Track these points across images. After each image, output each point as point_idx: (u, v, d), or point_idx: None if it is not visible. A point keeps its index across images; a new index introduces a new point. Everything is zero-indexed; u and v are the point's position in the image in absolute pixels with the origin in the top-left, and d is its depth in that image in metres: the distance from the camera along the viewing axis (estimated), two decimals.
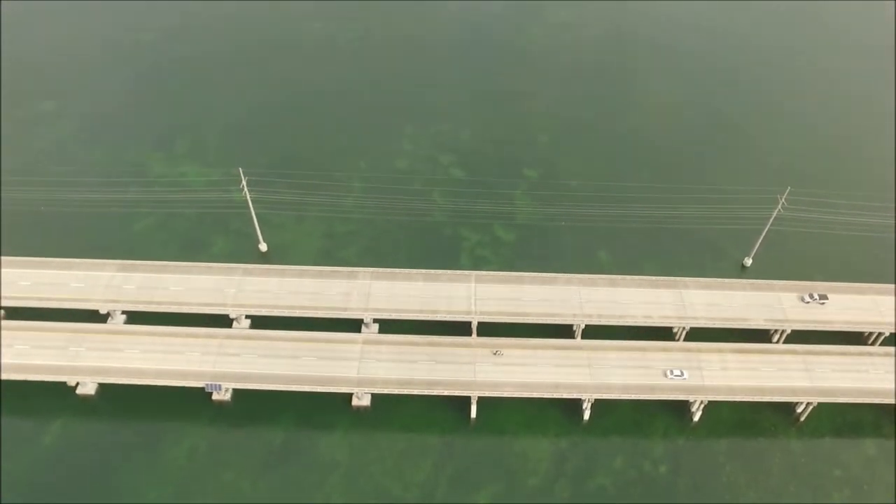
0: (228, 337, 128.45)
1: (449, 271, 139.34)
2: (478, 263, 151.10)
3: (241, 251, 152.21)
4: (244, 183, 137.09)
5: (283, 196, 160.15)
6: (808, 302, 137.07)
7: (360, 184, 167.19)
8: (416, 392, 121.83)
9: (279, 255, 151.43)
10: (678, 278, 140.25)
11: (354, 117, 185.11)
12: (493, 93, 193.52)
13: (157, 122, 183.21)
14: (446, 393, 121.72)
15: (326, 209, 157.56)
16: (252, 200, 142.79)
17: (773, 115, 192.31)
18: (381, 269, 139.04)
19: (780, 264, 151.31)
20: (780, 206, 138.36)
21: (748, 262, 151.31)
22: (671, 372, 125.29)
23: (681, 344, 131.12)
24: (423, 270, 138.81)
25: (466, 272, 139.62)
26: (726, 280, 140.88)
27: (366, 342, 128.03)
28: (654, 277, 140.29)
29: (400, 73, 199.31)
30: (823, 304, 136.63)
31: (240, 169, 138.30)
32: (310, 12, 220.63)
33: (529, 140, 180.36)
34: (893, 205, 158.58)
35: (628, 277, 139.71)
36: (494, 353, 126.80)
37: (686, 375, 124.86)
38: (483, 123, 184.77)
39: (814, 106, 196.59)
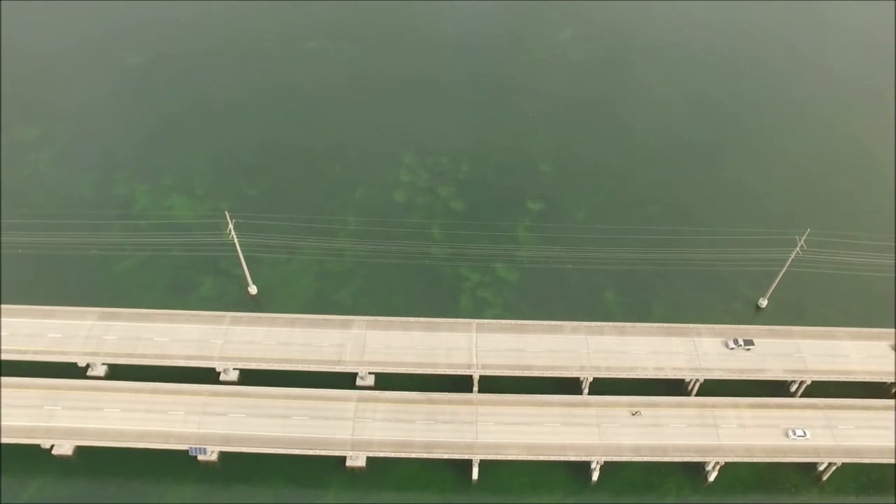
0: (214, 394, 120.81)
1: (449, 320, 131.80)
2: (479, 306, 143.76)
3: (229, 293, 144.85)
4: (231, 226, 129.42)
5: (274, 231, 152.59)
6: (732, 348, 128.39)
7: (354, 218, 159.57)
8: (413, 455, 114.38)
9: (269, 298, 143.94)
10: (690, 325, 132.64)
11: (349, 145, 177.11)
12: (494, 119, 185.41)
13: (143, 151, 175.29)
14: (446, 456, 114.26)
15: (319, 246, 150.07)
16: (241, 239, 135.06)
17: (789, 139, 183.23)
18: (376, 318, 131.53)
19: (798, 306, 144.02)
20: (798, 248, 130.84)
21: (763, 302, 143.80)
22: (793, 432, 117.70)
23: (695, 399, 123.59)
24: (422, 319, 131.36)
25: (467, 321, 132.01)
26: (742, 327, 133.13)
27: (360, 399, 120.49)
28: (665, 325, 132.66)
29: (397, 98, 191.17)
30: (749, 349, 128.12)
31: (226, 213, 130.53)
32: (304, 32, 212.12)
33: (532, 169, 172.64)
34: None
35: (638, 325, 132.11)
36: (633, 414, 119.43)
37: (809, 435, 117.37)
38: (483, 151, 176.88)
39: (829, 124, 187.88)
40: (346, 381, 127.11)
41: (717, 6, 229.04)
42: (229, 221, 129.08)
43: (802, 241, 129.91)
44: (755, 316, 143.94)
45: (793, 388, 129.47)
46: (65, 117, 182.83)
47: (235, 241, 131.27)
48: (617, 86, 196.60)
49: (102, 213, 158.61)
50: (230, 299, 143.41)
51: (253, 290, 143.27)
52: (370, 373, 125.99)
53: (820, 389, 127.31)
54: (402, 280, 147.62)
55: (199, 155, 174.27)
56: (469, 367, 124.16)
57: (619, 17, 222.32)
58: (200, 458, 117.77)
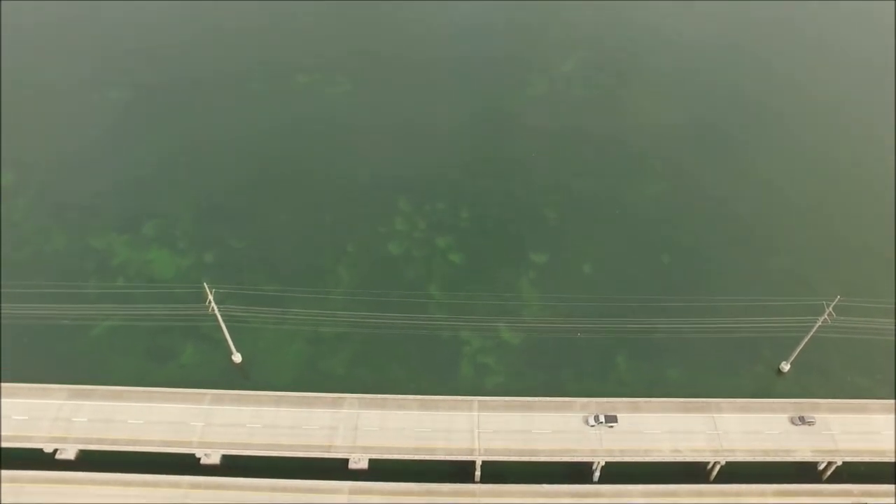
0: (194, 486, 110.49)
1: (448, 398, 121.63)
2: (480, 373, 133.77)
3: (212, 361, 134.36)
4: (211, 297, 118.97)
5: (260, 290, 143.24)
6: (592, 425, 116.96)
7: (347, 274, 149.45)
8: None
9: (255, 367, 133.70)
10: (710, 400, 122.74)
11: (341, 192, 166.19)
12: (495, 160, 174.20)
13: (124, 197, 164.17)
14: None
15: (309, 305, 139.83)
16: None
17: (818, 187, 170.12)
18: (370, 396, 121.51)
19: (823, 370, 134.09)
20: (826, 315, 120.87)
21: (785, 367, 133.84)
22: None
23: (717, 487, 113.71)
24: (419, 397, 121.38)
25: (468, 398, 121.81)
26: (766, 401, 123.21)
27: (353, 492, 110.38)
28: (682, 400, 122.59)
29: (390, 139, 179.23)
30: (612, 427, 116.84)
31: (205, 283, 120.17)
32: (293, 65, 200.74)
33: (535, 215, 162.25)
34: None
35: (653, 401, 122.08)
36: None
37: None
38: (483, 195, 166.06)
39: (864, 179, 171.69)
40: (338, 462, 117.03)
41: (732, 35, 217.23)
42: (209, 293, 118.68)
43: (830, 309, 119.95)
44: (777, 380, 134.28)
45: (820, 468, 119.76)
46: (41, 159, 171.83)
47: (216, 312, 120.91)
48: (626, 123, 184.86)
49: (77, 268, 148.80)
50: (213, 368, 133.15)
51: (237, 358, 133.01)
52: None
53: (851, 470, 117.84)
54: (398, 344, 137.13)
55: (182, 201, 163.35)
56: (471, 452, 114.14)
57: (626, 44, 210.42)
58: None
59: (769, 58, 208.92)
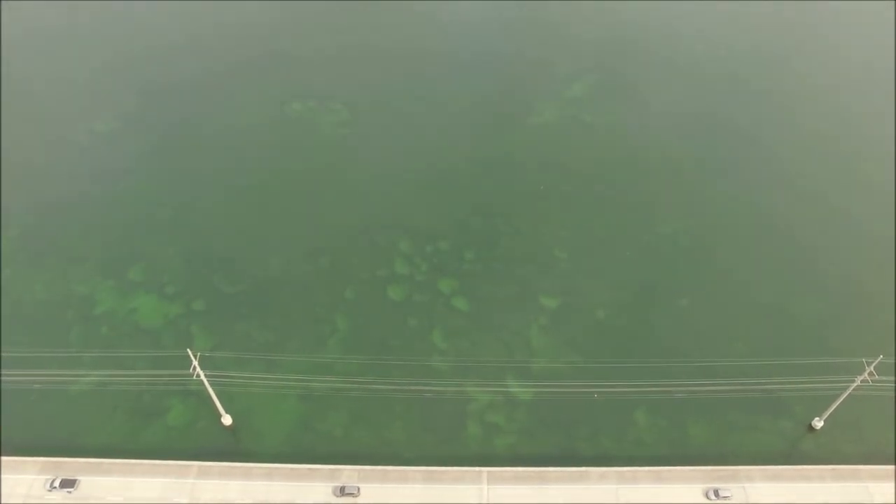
0: None
1: (455, 469, 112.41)
2: (489, 433, 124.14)
3: (200, 422, 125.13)
4: (196, 363, 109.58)
5: (252, 342, 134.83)
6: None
7: (344, 322, 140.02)
8: None
9: (246, 428, 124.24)
10: (739, 468, 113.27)
11: (338, 232, 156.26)
12: (499, 195, 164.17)
13: (109, 238, 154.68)
14: None
15: (304, 358, 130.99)
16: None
17: (852, 239, 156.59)
18: (369, 468, 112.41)
19: (859, 428, 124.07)
20: (866, 374, 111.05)
21: (818, 424, 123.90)
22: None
23: None
24: (422, 468, 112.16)
25: (477, 469, 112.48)
26: (801, 468, 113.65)
27: None
28: (708, 468, 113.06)
29: (389, 175, 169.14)
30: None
31: (188, 350, 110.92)
32: (288, 93, 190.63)
33: (545, 256, 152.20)
34: None
35: (676, 469, 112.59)
36: None
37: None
38: (489, 235, 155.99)
39: None
40: None
41: (756, 55, 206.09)
42: (193, 359, 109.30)
43: (872, 368, 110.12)
44: (808, 438, 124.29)
45: None
46: (21, 198, 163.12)
47: (203, 377, 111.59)
48: (638, 153, 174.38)
49: (59, 318, 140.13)
50: (201, 430, 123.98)
51: (227, 420, 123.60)
52: None
53: None
54: (399, 400, 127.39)
55: (171, 244, 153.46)
56: None
57: (637, 67, 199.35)
58: None
59: (803, 82, 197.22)
